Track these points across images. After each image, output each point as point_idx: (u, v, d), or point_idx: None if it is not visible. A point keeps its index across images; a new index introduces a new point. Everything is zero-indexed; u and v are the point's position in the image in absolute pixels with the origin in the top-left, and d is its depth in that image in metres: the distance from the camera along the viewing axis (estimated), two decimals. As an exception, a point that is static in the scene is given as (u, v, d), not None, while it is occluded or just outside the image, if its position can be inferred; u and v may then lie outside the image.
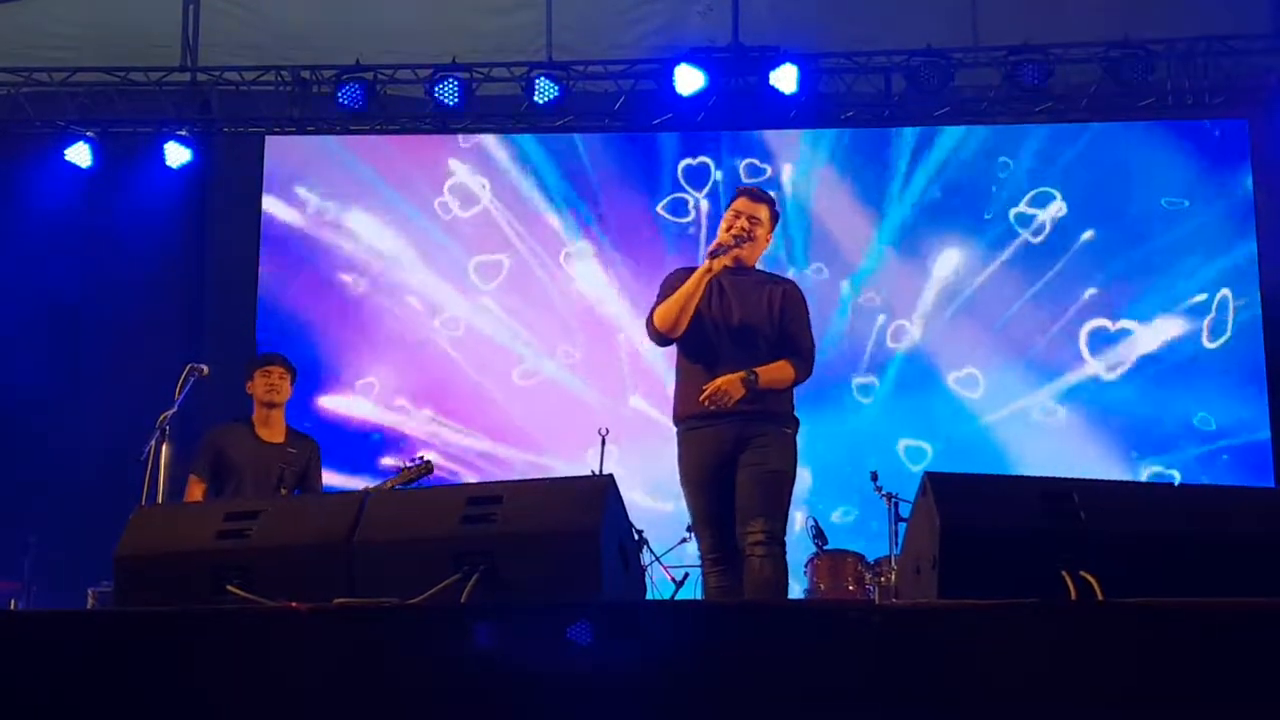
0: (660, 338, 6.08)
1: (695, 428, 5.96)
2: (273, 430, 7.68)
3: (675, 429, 6.11)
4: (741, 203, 6.17)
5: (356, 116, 10.87)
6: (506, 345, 11.00)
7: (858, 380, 10.68)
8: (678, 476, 6.08)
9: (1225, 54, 10.35)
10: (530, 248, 11.08)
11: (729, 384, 5.80)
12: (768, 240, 6.23)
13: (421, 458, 8.01)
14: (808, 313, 6.19)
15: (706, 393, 5.81)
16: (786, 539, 5.88)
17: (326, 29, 10.81)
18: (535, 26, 10.80)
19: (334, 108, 10.76)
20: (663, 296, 6.10)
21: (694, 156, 11.04)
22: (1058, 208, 10.70)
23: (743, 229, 6.07)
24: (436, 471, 8.30)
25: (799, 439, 6.03)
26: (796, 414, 6.06)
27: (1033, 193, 10.75)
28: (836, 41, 10.64)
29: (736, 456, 5.87)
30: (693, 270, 6.12)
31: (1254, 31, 10.35)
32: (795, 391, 6.08)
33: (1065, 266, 10.67)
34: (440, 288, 11.10)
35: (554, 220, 11.10)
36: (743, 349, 5.96)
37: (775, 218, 6.24)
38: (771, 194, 6.35)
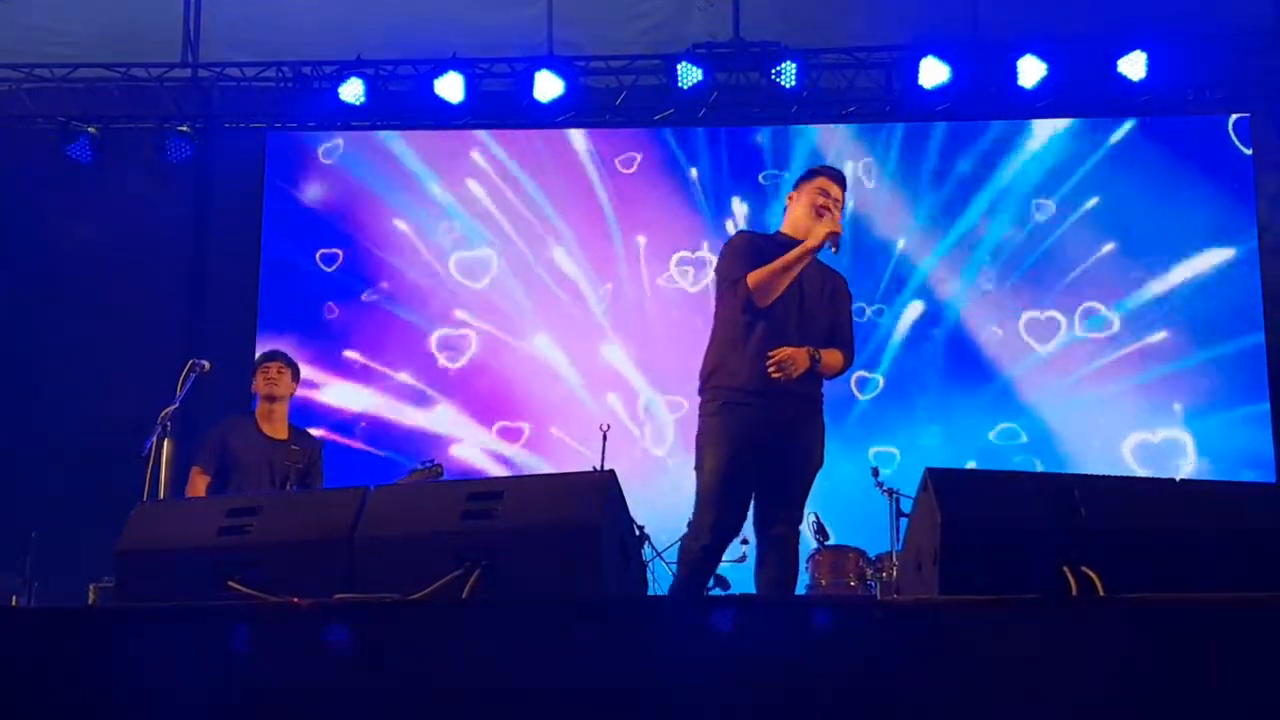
0: (748, 301, 5.91)
1: (743, 402, 5.82)
2: (275, 426, 7.68)
3: (702, 397, 5.98)
4: (825, 182, 6.05)
5: (357, 112, 10.87)
6: (511, 350, 11.04)
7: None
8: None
9: (1227, 49, 10.33)
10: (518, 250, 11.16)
11: (798, 355, 5.77)
12: None
13: (432, 460, 7.96)
14: (852, 315, 6.21)
15: (775, 359, 5.73)
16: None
17: (327, 25, 10.80)
18: (537, 22, 10.78)
19: (335, 104, 10.76)
20: (742, 259, 5.97)
21: (693, 250, 11.04)
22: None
23: (835, 213, 5.97)
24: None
25: None
26: None
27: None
28: (837, 37, 10.63)
29: (780, 439, 5.79)
30: (765, 236, 6.16)
31: (1255, 26, 10.33)
32: None
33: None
34: (442, 286, 11.12)
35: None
36: (806, 331, 5.91)
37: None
38: None
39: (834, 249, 5.86)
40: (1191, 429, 10.36)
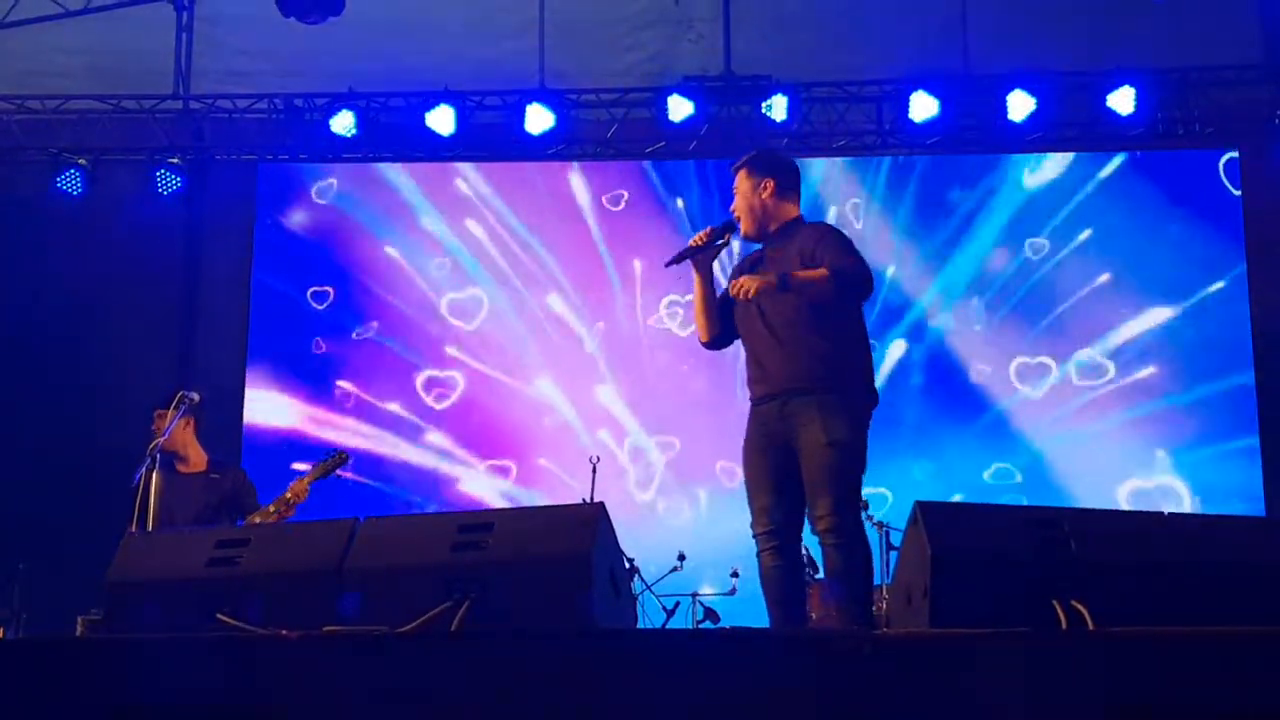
0: (708, 345, 5.93)
1: (752, 407, 5.67)
2: (191, 463, 7.61)
3: None
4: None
5: (348, 144, 10.88)
6: (501, 388, 11.05)
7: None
8: None
9: (1216, 85, 10.39)
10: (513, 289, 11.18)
11: (747, 282, 5.48)
12: (763, 197, 5.79)
13: (336, 450, 7.73)
14: (843, 240, 5.65)
15: (734, 290, 5.55)
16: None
17: (319, 57, 10.82)
18: (528, 54, 10.81)
19: (326, 136, 10.77)
20: None
21: (682, 295, 10.83)
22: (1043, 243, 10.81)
23: (731, 212, 5.88)
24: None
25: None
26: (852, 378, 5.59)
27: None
28: (827, 71, 10.67)
29: (791, 434, 5.50)
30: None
31: (1244, 62, 10.39)
32: None
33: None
34: (432, 324, 11.13)
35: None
36: (779, 316, 5.58)
37: (756, 169, 5.85)
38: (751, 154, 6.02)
39: (701, 264, 5.81)
40: (1182, 472, 10.35)
